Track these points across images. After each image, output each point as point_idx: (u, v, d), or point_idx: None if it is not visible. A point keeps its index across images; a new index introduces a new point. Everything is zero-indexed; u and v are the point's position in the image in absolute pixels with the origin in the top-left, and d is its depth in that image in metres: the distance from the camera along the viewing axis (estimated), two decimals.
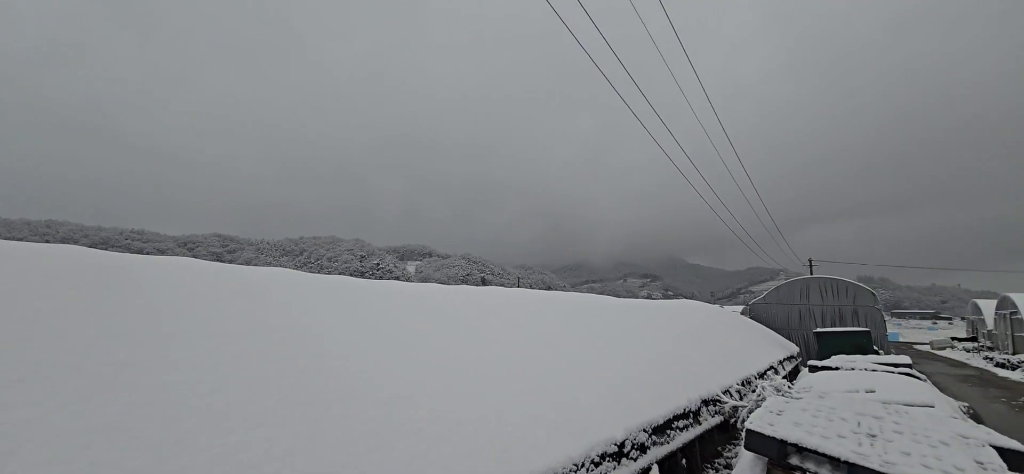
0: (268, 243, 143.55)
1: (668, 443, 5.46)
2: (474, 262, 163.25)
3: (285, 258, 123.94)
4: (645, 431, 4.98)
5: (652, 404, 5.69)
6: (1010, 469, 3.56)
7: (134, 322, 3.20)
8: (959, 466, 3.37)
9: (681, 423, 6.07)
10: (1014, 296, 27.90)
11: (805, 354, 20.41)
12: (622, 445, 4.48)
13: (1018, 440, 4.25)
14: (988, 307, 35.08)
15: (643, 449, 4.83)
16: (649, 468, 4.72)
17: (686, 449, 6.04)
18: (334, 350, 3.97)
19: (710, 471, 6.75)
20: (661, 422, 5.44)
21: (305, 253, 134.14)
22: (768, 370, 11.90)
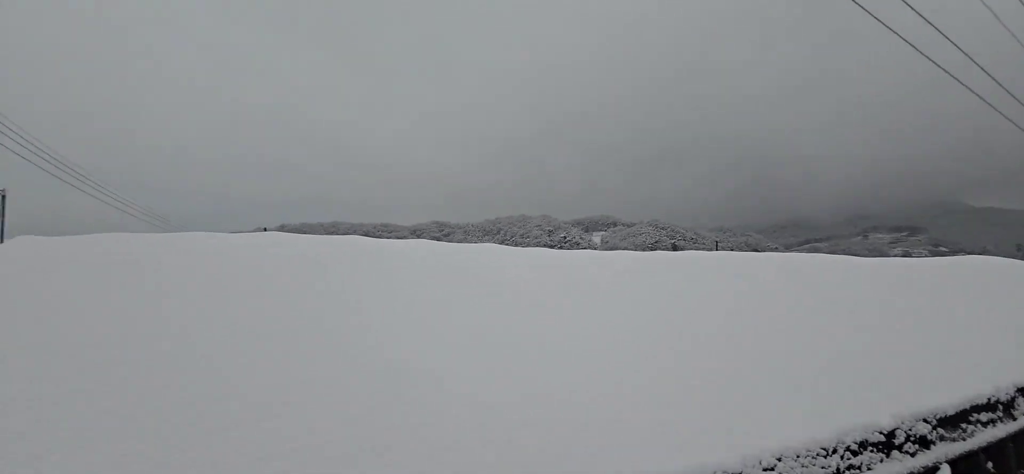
0: (472, 225, 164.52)
1: (964, 439, 4.14)
2: (662, 228, 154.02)
3: (487, 237, 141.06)
4: (926, 421, 3.87)
5: (934, 389, 4.41)
6: None
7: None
8: None
9: (983, 416, 4.53)
10: None
11: None
12: (891, 434, 3.58)
13: None
14: None
15: (924, 443, 3.77)
16: (936, 468, 3.67)
17: (994, 450, 4.50)
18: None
19: None
20: (952, 413, 4.16)
21: (501, 232, 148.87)
22: None
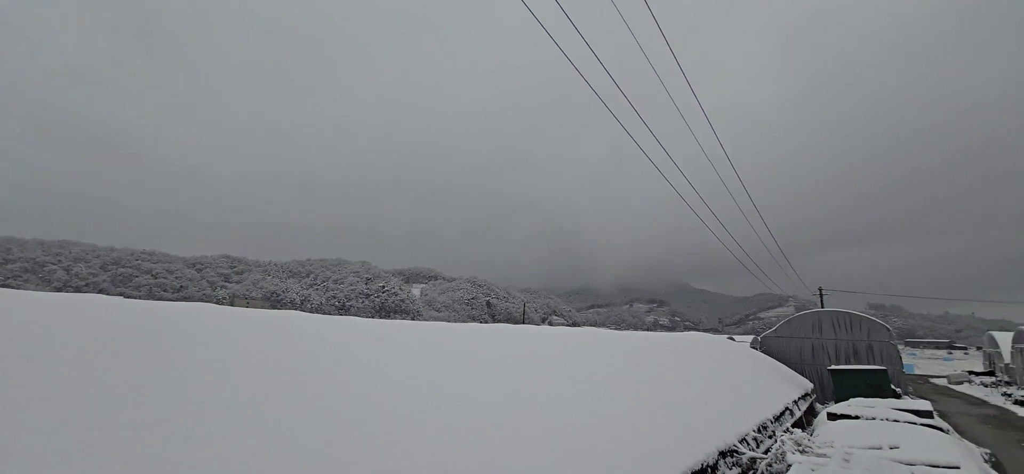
0: (275, 264, 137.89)
1: None
2: (479, 285, 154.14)
3: (292, 279, 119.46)
4: None
5: (667, 458, 4.87)
6: None
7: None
8: None
9: None
10: None
11: (819, 391, 19.10)
12: None
13: None
14: (1005, 340, 32.72)
15: None
16: None
17: None
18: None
19: None
20: None
21: (312, 275, 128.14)
22: (784, 412, 10.67)
